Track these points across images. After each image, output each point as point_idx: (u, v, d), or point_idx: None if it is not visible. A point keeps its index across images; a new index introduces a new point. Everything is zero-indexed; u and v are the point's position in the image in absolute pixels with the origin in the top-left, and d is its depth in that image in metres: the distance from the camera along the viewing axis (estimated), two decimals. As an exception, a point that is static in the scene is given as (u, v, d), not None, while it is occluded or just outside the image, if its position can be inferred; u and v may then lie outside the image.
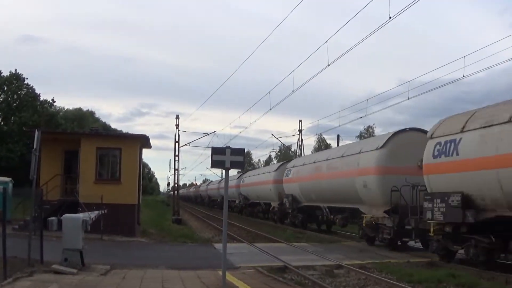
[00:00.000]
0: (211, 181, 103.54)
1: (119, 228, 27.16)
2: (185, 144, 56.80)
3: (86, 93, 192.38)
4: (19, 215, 29.79)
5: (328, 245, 27.26)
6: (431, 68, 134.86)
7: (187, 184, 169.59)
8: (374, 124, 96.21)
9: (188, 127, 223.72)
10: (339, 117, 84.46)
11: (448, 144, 19.48)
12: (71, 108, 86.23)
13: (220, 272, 16.81)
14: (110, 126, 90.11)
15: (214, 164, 13.08)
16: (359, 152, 27.56)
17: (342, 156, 29.88)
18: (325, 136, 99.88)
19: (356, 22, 22.10)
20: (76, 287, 13.37)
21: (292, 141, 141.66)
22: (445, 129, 20.34)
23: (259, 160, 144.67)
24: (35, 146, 16.27)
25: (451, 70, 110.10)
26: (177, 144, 50.87)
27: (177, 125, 50.62)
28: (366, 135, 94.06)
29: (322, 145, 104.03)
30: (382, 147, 25.50)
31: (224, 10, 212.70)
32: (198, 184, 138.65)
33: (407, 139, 25.45)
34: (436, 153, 20.21)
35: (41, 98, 67.46)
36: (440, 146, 20.06)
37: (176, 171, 52.66)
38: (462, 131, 18.84)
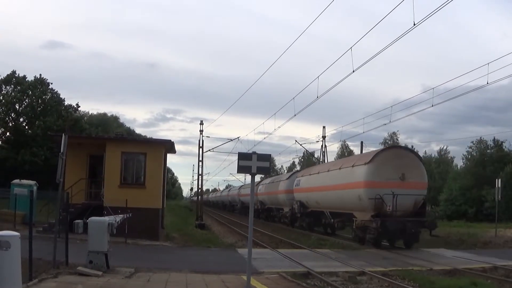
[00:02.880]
0: (232, 187, 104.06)
1: (143, 232, 27.24)
2: (209, 150, 57.02)
3: (111, 99, 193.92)
4: (43, 218, 30.06)
5: (351, 252, 27.12)
6: (454, 75, 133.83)
7: (210, 190, 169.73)
8: (398, 130, 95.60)
9: (212, 133, 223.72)
10: (364, 123, 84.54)
11: (301, 180, 42.48)
12: (95, 113, 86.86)
13: (244, 277, 16.89)
14: (134, 131, 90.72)
15: (241, 169, 13.13)
16: (352, 166, 32.16)
17: (339, 169, 34.63)
18: (348, 143, 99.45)
19: (380, 28, 22.17)
20: (101, 289, 13.46)
21: (316, 147, 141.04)
22: (302, 173, 45.50)
23: (281, 166, 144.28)
24: (62, 150, 16.43)
25: (475, 77, 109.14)
26: (201, 149, 51.00)
27: (201, 131, 50.68)
28: (390, 142, 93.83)
29: (345, 152, 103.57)
30: (369, 162, 29.74)
31: (248, 17, 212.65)
32: (220, 190, 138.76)
33: (391, 155, 30.20)
34: (296, 184, 43.63)
35: (66, 103, 68.11)
36: (298, 181, 43.55)
37: (200, 177, 52.81)
38: (303, 176, 42.12)
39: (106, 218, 17.21)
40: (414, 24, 18.55)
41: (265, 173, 13.67)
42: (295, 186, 44.78)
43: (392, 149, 32.64)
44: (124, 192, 27.99)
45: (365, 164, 30.04)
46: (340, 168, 34.55)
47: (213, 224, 55.04)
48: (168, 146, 32.66)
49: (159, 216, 30.61)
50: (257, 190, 60.62)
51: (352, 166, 32.01)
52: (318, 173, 39.62)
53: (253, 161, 12.82)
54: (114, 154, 29.45)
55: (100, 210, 26.17)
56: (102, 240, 16.30)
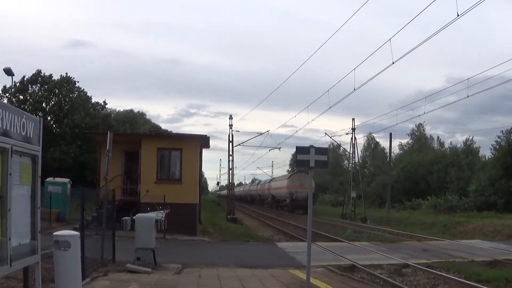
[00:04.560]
0: (248, 183, 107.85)
1: (181, 227, 27.10)
2: (239, 144, 56.90)
3: (135, 95, 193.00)
4: (78, 215, 29.92)
5: (390, 244, 27.22)
6: (477, 65, 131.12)
7: (235, 184, 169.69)
8: (424, 121, 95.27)
9: (235, 127, 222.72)
10: (396, 115, 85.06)
11: (272, 183, 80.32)
12: (121, 110, 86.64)
13: (292, 271, 16.92)
14: (160, 127, 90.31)
15: (299, 163, 12.94)
16: (284, 180, 70.78)
17: (281, 180, 73.83)
18: (374, 135, 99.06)
19: (414, 23, 22.13)
20: (155, 286, 13.40)
21: (342, 140, 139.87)
22: (272, 180, 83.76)
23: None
24: (107, 147, 16.48)
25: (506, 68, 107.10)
26: (231, 144, 50.91)
27: (230, 125, 50.54)
28: (417, 133, 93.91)
29: (371, 144, 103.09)
30: (288, 178, 67.54)
31: (271, 12, 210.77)
32: (246, 184, 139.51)
33: (299, 174, 62.80)
34: (270, 185, 79.80)
35: (93, 101, 68.20)
36: (270, 184, 79.91)
37: (231, 171, 52.81)
38: (272, 182, 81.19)
39: (153, 215, 17.16)
40: (458, 15, 18.56)
41: (323, 167, 13.22)
42: (269, 186, 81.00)
43: (297, 172, 64.86)
44: (161, 188, 27.96)
45: (286, 179, 69.59)
46: (281, 180, 74.60)
47: (244, 218, 55.05)
48: (203, 141, 32.58)
49: (196, 211, 30.52)
50: (258, 186, 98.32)
51: (284, 179, 71.56)
52: (277, 181, 77.17)
53: (311, 155, 12.47)
54: (150, 151, 29.39)
55: (137, 206, 26.12)
56: (150, 237, 16.27)
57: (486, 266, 19.61)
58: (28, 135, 8.33)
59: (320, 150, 12.69)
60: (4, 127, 7.33)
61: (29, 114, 8.73)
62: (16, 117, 7.75)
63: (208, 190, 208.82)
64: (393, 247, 25.85)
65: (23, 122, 8.08)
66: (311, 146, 12.83)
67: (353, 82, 27.95)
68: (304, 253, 21.75)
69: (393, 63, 22.89)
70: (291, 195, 64.74)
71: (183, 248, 23.75)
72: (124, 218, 16.94)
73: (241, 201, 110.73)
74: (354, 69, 27.49)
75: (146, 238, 16.20)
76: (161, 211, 18.75)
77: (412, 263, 19.42)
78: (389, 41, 22.56)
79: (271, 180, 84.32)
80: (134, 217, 16.70)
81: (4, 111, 7.29)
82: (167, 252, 19.40)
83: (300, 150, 12.74)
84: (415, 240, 29.96)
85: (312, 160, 12.50)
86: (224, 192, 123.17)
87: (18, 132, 7.89)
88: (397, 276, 17.46)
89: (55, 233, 10.13)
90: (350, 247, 25.46)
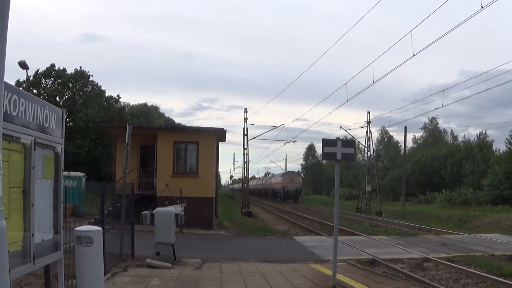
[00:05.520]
0: (261, 177, 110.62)
1: (197, 221, 26.89)
2: (254, 138, 56.60)
3: (148, 89, 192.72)
4: (91, 209, 29.73)
5: (408, 238, 27.05)
6: (490, 59, 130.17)
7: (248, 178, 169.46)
8: (437, 115, 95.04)
9: (249, 121, 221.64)
10: (413, 108, 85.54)
11: (272, 179, 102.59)
12: (135, 103, 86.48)
13: (313, 265, 16.72)
14: (174, 121, 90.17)
15: (326, 156, 12.66)
16: (279, 176, 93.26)
17: (278, 177, 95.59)
18: (387, 129, 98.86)
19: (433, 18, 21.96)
20: (178, 282, 13.16)
21: (355, 134, 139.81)
22: (271, 176, 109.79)
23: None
24: (126, 141, 16.31)
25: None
26: (245, 137, 50.62)
27: (245, 119, 50.16)
28: (430, 127, 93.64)
29: (385, 138, 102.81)
30: (282, 176, 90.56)
31: (283, 5, 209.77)
32: (259, 178, 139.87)
33: (290, 173, 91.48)
34: (270, 181, 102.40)
35: (106, 95, 68.09)
36: (271, 180, 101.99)
37: (246, 164, 52.57)
38: (271, 178, 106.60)
39: (173, 209, 16.95)
40: (482, 7, 18.37)
41: (350, 160, 12.92)
42: (271, 182, 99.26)
43: (289, 172, 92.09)
44: (177, 181, 27.79)
45: (281, 176, 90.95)
46: (278, 177, 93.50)
47: (257, 211, 54.71)
48: (220, 135, 32.41)
49: (213, 204, 30.38)
50: (262, 181, 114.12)
51: (279, 177, 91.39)
52: (275, 177, 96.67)
53: (338, 148, 12.20)
54: (166, 144, 29.29)
55: (152, 200, 25.92)
56: (170, 231, 16.07)
57: (507, 260, 19.31)
58: (51, 127, 8.05)
59: (346, 143, 12.48)
60: (27, 118, 7.09)
61: (52, 105, 8.41)
62: (39, 108, 7.49)
63: (221, 183, 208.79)
64: (411, 241, 25.61)
65: (46, 113, 7.82)
66: (338, 139, 12.60)
67: (370, 75, 27.94)
68: (323, 247, 21.90)
69: (414, 55, 22.75)
70: (284, 188, 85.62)
71: (200, 242, 23.61)
72: (144, 212, 16.68)
73: (251, 194, 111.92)
74: (374, 61, 27.42)
75: (165, 233, 15.99)
76: (179, 205, 18.56)
77: (433, 257, 19.21)
78: (410, 33, 22.46)
79: (271, 177, 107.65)
80: (154, 211, 16.47)
81: (27, 102, 7.03)
82: (185, 246, 19.20)
83: (327, 143, 12.47)
84: (433, 234, 29.79)
85: (339, 153, 12.23)
86: (237, 185, 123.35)
87: (41, 123, 7.62)
88: (419, 270, 17.18)
89: (76, 229, 9.87)
90: (368, 241, 25.21)
